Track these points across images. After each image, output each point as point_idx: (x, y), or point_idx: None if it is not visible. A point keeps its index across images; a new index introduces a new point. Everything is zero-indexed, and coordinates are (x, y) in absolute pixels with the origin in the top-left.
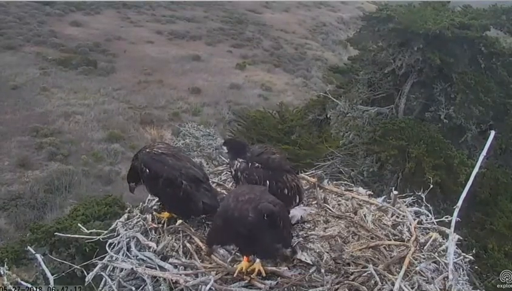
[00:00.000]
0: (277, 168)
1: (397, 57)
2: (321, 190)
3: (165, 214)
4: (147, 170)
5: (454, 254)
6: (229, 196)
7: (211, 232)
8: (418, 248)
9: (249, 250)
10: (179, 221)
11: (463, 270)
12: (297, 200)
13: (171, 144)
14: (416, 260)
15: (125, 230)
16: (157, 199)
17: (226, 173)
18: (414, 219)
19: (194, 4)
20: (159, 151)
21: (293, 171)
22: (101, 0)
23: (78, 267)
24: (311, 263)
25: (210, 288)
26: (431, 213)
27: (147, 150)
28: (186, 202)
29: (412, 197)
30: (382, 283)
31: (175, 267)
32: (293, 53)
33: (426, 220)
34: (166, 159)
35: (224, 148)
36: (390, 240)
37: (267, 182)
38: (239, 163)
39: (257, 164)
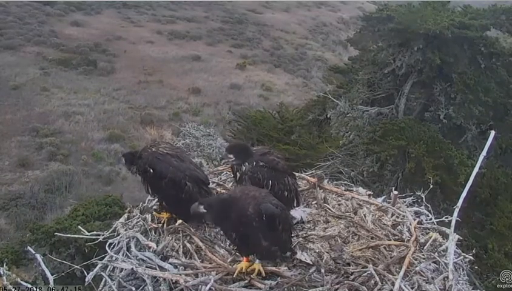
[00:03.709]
0: (280, 170)
1: (397, 57)
2: (321, 190)
3: (165, 215)
4: (151, 170)
5: (454, 254)
6: (237, 188)
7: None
8: (418, 248)
9: (245, 249)
10: (179, 221)
11: (463, 270)
12: (295, 204)
13: (172, 144)
14: (416, 260)
15: (125, 230)
16: (156, 199)
17: (226, 173)
18: (414, 219)
19: (194, 4)
20: (164, 151)
21: (294, 176)
22: (101, 0)
23: (78, 267)
24: (311, 263)
25: (210, 288)
26: (431, 213)
27: (153, 149)
28: (187, 203)
29: (412, 197)
30: (382, 283)
31: (175, 267)
32: (294, 53)
33: (426, 220)
34: (171, 160)
35: (231, 156)
36: (390, 240)
37: (270, 182)
38: (245, 168)
39: (262, 163)
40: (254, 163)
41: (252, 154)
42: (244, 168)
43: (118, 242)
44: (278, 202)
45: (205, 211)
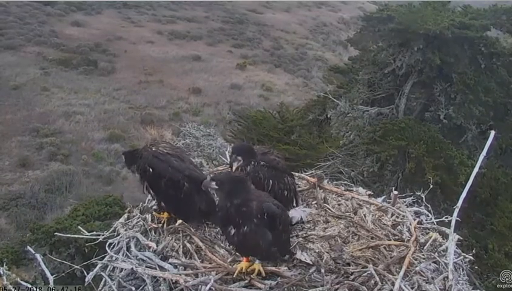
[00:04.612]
0: (280, 170)
1: (397, 57)
2: (321, 190)
3: (165, 215)
4: (151, 169)
5: (454, 254)
6: None
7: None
8: (418, 248)
9: (244, 249)
10: (179, 221)
11: (463, 270)
12: (294, 203)
13: (172, 144)
14: (416, 260)
15: (125, 230)
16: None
17: None
18: (414, 219)
19: (194, 4)
20: (165, 150)
21: (293, 176)
22: (102, 0)
23: (78, 267)
24: (311, 263)
25: (210, 288)
26: (431, 213)
27: (153, 149)
28: (186, 203)
29: (412, 197)
30: (382, 283)
31: (175, 267)
32: (294, 53)
33: (426, 220)
34: (171, 160)
35: (240, 158)
36: (390, 240)
37: (270, 181)
38: (249, 168)
39: (262, 163)
40: (256, 162)
41: (256, 154)
42: (249, 168)
43: (118, 242)
44: (278, 203)
45: (216, 187)
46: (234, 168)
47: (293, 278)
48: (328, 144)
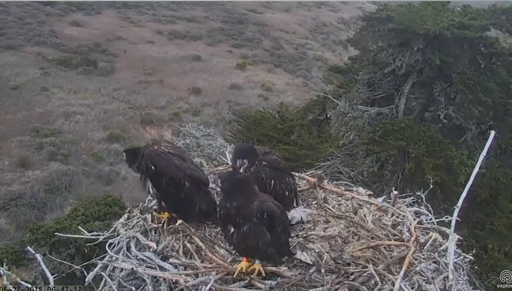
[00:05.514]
0: (281, 170)
1: (397, 57)
2: (321, 190)
3: (165, 215)
4: (153, 167)
5: (454, 254)
6: None
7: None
8: (418, 248)
9: (243, 249)
10: (180, 221)
11: (463, 270)
12: (294, 204)
13: (173, 144)
14: (416, 260)
15: (125, 230)
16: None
17: None
18: (414, 219)
19: (194, 4)
20: (166, 149)
21: (293, 176)
22: (102, 0)
23: (78, 267)
24: (311, 263)
25: (210, 288)
26: (431, 213)
27: (155, 147)
28: (186, 203)
29: (412, 198)
30: (382, 283)
31: (175, 267)
32: (294, 53)
33: (426, 220)
34: (172, 159)
35: (245, 161)
36: (390, 240)
37: (272, 181)
38: (253, 169)
39: (264, 163)
40: (258, 163)
41: (258, 154)
42: (252, 169)
43: (118, 242)
44: (279, 204)
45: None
46: (241, 171)
47: (294, 278)
48: (328, 144)
